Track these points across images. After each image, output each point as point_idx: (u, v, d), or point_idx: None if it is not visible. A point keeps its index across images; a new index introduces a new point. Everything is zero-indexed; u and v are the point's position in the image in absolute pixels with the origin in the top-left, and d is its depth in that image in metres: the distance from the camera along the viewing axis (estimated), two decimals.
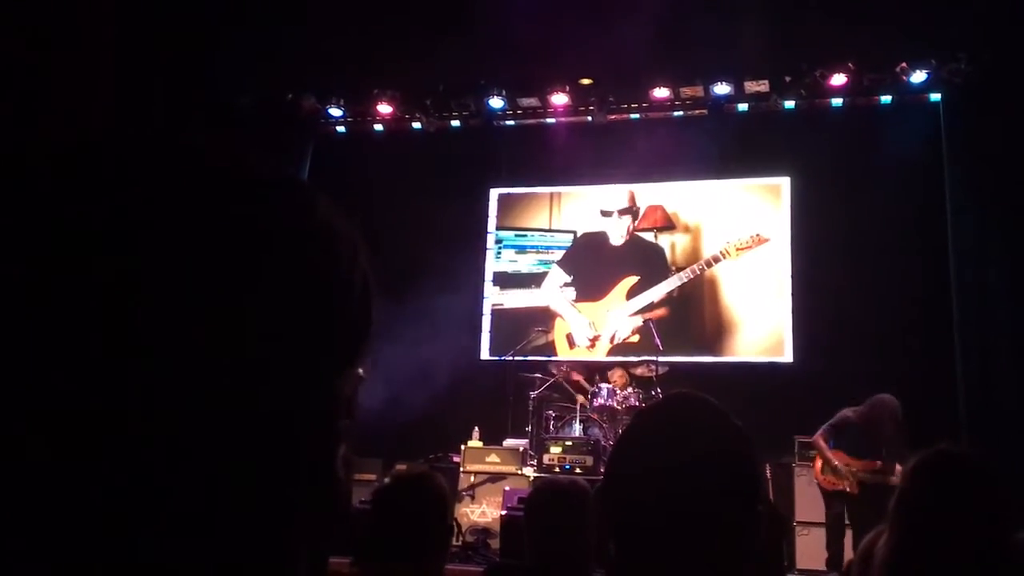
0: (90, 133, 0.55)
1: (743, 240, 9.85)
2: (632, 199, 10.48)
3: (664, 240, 10.28)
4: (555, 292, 10.58)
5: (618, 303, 10.29)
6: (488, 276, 10.44)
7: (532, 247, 10.93)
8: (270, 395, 0.52)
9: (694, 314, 10.00)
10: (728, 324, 9.73)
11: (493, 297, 10.58)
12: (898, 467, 6.61)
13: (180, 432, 0.49)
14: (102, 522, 0.46)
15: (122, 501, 0.47)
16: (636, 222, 10.43)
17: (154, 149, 0.54)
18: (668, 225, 10.28)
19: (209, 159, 0.55)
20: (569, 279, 10.66)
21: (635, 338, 9.95)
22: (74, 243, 0.49)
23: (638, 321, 10.02)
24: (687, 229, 10.20)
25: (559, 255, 10.68)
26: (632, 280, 10.26)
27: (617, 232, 10.50)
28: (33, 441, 0.47)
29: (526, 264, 10.81)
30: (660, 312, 10.03)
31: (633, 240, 10.41)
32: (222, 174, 0.55)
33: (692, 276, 10.01)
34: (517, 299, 10.67)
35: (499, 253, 10.74)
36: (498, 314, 10.49)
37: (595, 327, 10.23)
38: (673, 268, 10.17)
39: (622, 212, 10.58)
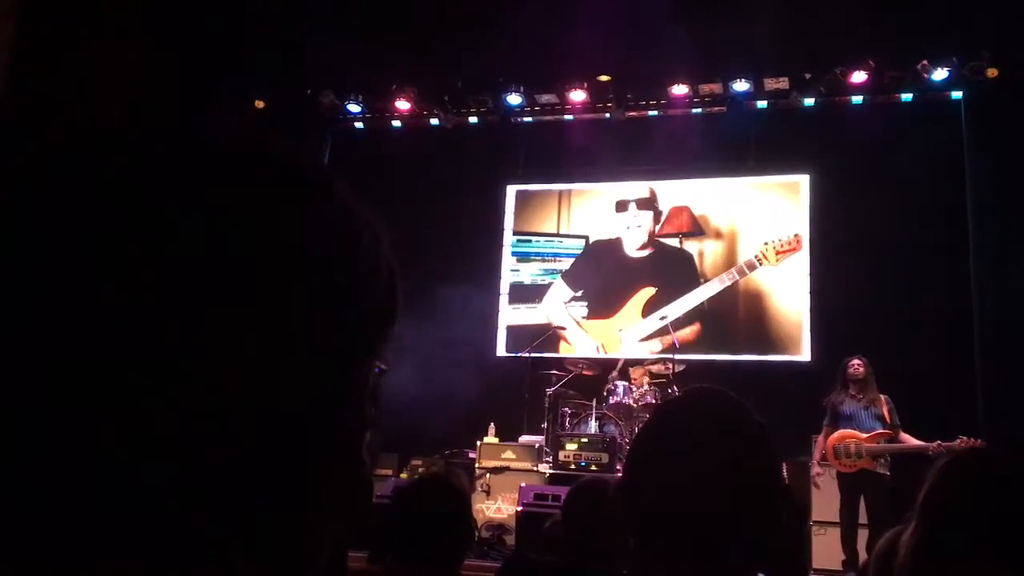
0: (111, 128, 0.55)
1: (783, 241, 9.33)
2: (653, 194, 9.82)
3: (691, 247, 9.65)
4: (558, 308, 9.81)
5: (631, 320, 9.54)
6: (504, 274, 10.28)
7: (536, 254, 10.20)
8: (296, 382, 0.52)
9: (729, 325, 9.33)
10: (755, 325, 9.43)
11: (504, 311, 10.09)
12: (903, 435, 6.76)
13: (203, 422, 0.49)
14: (123, 518, 0.47)
15: (143, 495, 0.47)
16: (658, 225, 9.70)
17: (175, 135, 0.55)
18: (696, 230, 9.66)
19: (231, 145, 0.55)
20: (576, 293, 9.75)
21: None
22: (99, 229, 0.49)
23: (657, 345, 9.23)
24: (718, 234, 9.59)
25: (567, 264, 9.98)
26: (648, 292, 9.50)
27: (634, 237, 9.68)
28: (64, 438, 0.47)
29: (528, 273, 10.12)
30: (689, 332, 9.19)
31: (654, 247, 9.70)
32: (244, 159, 0.55)
33: (722, 287, 9.35)
34: (520, 316, 9.88)
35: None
36: (510, 331, 10.04)
37: (604, 349, 9.55)
38: (702, 279, 9.49)
39: (641, 205, 9.74)
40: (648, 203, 9.84)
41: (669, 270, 9.62)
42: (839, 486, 6.93)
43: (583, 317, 9.80)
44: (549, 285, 10.04)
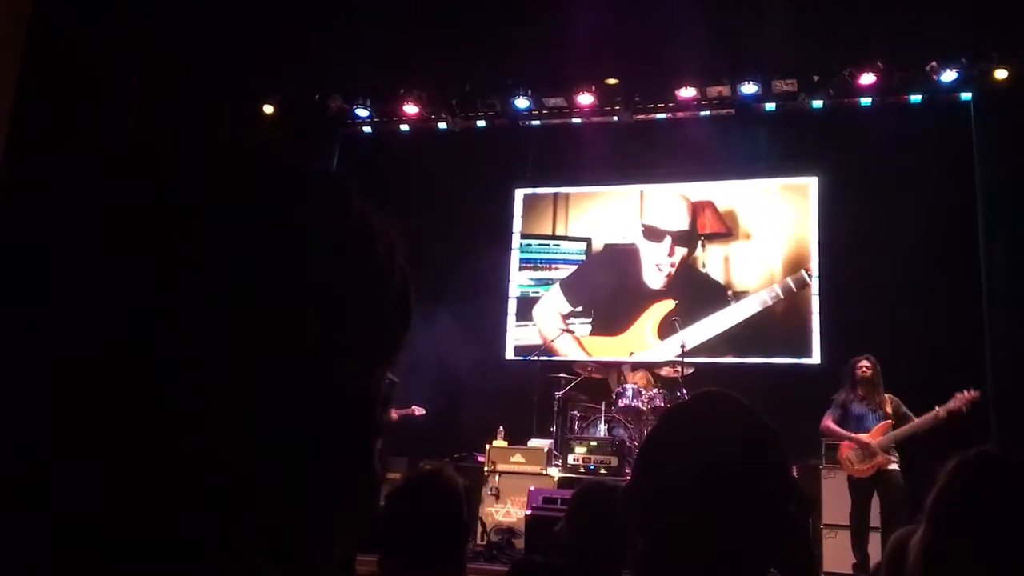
0: (122, 132, 0.56)
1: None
2: (693, 221, 8.81)
3: (715, 252, 9.09)
4: (552, 322, 9.10)
5: (645, 341, 8.85)
6: (513, 279, 10.18)
7: (527, 260, 9.61)
8: (309, 387, 0.52)
9: (765, 336, 8.66)
10: (793, 331, 9.00)
11: (512, 319, 9.60)
12: (912, 415, 6.67)
13: (215, 425, 0.49)
14: (131, 517, 0.47)
15: (154, 498, 0.48)
16: (692, 255, 8.83)
17: (189, 146, 0.55)
18: (724, 230, 9.14)
19: (245, 155, 0.56)
20: (575, 308, 8.93)
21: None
22: (115, 240, 0.50)
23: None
24: (749, 236, 8.96)
25: (563, 272, 9.38)
26: (666, 307, 8.73)
27: (661, 275, 8.75)
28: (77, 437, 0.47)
29: (517, 284, 9.49)
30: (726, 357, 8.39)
31: (684, 269, 8.92)
32: (259, 169, 0.56)
33: (762, 307, 8.71)
34: (517, 335, 9.14)
35: None
36: (517, 349, 9.54)
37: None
38: (731, 294, 8.87)
39: (679, 240, 8.75)
40: (686, 238, 8.81)
41: (691, 285, 8.95)
42: (850, 489, 6.87)
43: (586, 335, 9.21)
44: (542, 297, 9.36)
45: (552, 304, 9.26)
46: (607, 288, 9.14)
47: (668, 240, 9.06)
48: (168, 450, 0.48)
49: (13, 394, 0.48)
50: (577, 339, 9.27)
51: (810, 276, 8.83)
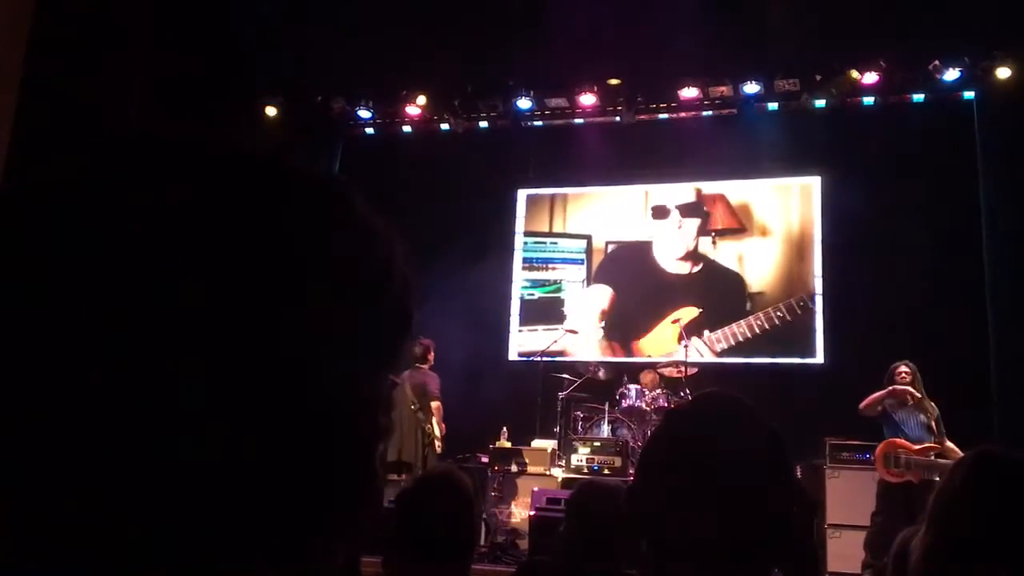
0: (122, 133, 0.56)
1: None
2: (700, 197, 8.85)
3: (728, 250, 9.02)
4: (588, 321, 9.02)
5: (664, 345, 8.86)
6: (515, 279, 10.20)
7: (529, 260, 9.65)
8: (310, 391, 0.52)
9: (778, 334, 8.64)
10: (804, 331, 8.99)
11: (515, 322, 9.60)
12: (948, 445, 6.56)
13: (219, 430, 0.49)
14: (128, 518, 0.47)
15: (152, 499, 0.48)
16: (705, 234, 8.77)
17: (191, 147, 0.55)
18: (736, 227, 9.08)
19: (247, 156, 0.56)
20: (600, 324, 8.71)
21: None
22: (113, 242, 0.49)
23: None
24: (764, 232, 8.90)
25: (565, 269, 9.42)
26: (690, 313, 8.67)
27: (674, 244, 8.74)
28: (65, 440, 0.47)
29: (519, 284, 9.55)
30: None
31: (702, 263, 8.91)
32: (260, 171, 0.56)
33: (791, 317, 8.67)
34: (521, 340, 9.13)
35: None
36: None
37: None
38: (747, 302, 8.75)
39: (686, 211, 8.82)
40: (695, 208, 8.85)
41: (715, 291, 8.83)
42: (883, 493, 6.67)
43: (599, 339, 9.20)
44: (538, 300, 9.38)
45: (596, 300, 9.04)
46: (628, 291, 9.13)
47: (676, 214, 9.01)
48: (166, 450, 0.48)
49: (9, 396, 0.48)
50: (575, 340, 9.30)
51: (812, 302, 8.82)
